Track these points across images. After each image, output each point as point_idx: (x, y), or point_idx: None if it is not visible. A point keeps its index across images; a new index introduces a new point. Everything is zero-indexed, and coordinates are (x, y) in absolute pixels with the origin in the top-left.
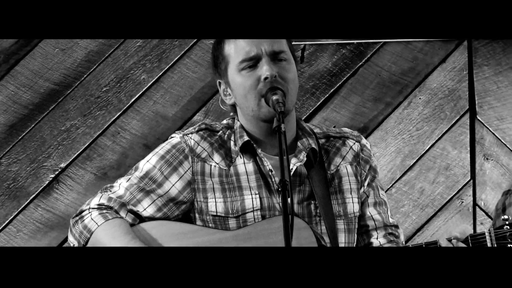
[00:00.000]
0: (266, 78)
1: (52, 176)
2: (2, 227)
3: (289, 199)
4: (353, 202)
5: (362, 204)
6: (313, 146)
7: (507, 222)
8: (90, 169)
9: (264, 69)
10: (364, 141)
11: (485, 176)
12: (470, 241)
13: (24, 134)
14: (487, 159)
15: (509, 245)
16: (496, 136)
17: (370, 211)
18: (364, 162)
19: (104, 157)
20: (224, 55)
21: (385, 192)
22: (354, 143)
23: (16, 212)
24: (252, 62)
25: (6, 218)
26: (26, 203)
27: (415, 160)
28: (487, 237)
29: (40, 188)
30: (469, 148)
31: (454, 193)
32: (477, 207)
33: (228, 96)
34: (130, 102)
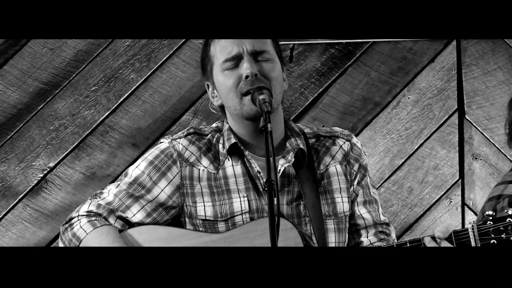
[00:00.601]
0: (247, 77)
1: (41, 175)
2: None
3: (275, 200)
4: (342, 202)
5: (352, 203)
6: (301, 146)
7: (490, 218)
8: (79, 168)
9: (244, 68)
10: (354, 140)
11: (473, 175)
12: (453, 238)
13: (12, 133)
14: (476, 158)
15: (492, 241)
16: (484, 135)
17: (360, 210)
18: (353, 161)
19: (93, 156)
20: (209, 56)
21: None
22: (344, 142)
23: (5, 212)
24: (234, 62)
25: None
26: (14, 202)
27: (403, 160)
28: (470, 233)
29: (29, 188)
30: (457, 148)
31: (442, 193)
32: (465, 206)
33: (215, 97)
34: (119, 102)
